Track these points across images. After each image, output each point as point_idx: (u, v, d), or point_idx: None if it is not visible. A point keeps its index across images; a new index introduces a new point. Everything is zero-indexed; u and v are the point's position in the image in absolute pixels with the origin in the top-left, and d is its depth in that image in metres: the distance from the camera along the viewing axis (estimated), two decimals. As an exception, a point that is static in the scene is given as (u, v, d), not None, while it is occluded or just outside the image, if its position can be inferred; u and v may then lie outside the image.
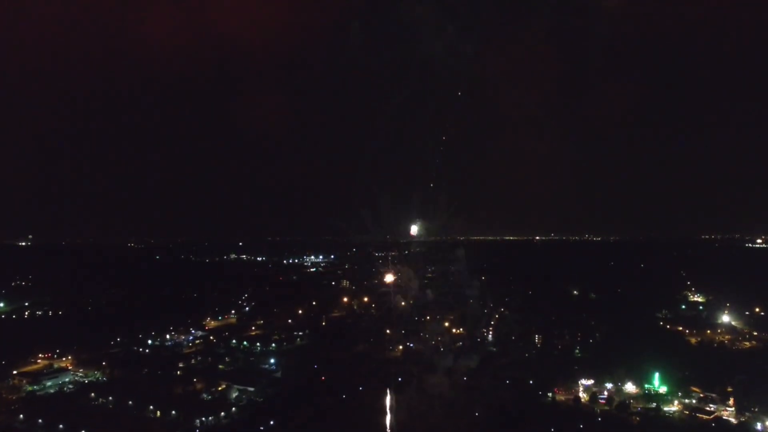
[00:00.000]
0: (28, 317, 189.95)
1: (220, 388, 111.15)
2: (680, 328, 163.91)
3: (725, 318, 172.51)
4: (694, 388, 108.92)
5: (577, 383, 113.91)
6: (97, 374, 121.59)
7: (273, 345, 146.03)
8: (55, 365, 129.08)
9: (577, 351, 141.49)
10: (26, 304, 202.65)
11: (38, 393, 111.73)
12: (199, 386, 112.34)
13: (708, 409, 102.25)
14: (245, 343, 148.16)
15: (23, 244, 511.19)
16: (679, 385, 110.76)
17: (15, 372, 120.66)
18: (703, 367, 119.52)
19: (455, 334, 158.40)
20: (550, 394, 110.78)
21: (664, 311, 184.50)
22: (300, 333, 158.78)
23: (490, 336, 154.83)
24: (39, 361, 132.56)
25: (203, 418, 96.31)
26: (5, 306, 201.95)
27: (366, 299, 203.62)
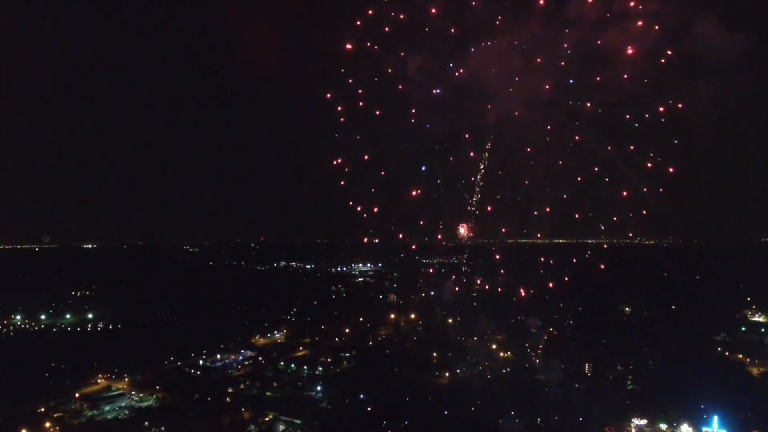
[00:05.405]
0: (91, 330, 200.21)
1: (267, 419, 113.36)
2: (740, 356, 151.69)
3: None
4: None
5: (630, 422, 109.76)
6: (151, 400, 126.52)
7: (320, 369, 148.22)
8: (113, 387, 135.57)
9: (629, 382, 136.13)
10: (90, 316, 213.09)
11: (97, 418, 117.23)
12: (246, 416, 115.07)
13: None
14: (293, 365, 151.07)
15: (89, 246, 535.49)
16: (741, 428, 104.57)
17: (77, 395, 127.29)
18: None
19: (502, 358, 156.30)
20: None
21: (722, 334, 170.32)
22: (347, 354, 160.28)
23: (537, 361, 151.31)
24: (99, 381, 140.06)
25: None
26: (71, 317, 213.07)
27: (413, 316, 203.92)
